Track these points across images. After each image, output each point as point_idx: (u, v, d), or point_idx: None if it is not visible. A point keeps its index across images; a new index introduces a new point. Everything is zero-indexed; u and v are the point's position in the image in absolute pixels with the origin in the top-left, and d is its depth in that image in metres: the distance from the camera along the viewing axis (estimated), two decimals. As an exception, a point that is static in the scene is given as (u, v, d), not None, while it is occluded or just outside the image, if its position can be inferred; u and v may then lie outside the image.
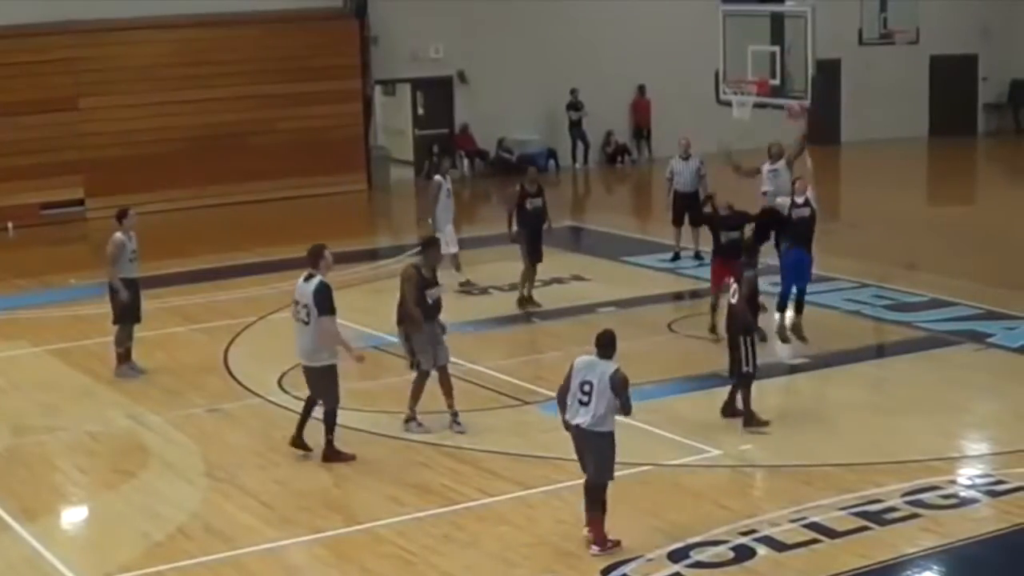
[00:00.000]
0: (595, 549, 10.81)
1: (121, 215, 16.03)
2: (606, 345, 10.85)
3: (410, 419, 13.84)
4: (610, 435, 10.75)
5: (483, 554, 10.91)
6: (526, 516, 11.45)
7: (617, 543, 10.87)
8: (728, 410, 13.98)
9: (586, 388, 10.69)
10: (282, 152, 28.54)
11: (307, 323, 12.76)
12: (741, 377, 13.81)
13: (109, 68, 27.14)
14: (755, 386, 14.53)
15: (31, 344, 17.68)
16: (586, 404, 10.69)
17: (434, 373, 13.76)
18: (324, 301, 12.66)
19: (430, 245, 14.11)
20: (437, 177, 20.23)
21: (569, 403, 10.83)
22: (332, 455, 13.00)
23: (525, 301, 18.73)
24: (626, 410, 10.74)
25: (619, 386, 10.65)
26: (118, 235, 15.90)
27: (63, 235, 25.92)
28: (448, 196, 19.85)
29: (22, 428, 14.42)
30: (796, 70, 18.90)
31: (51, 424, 14.48)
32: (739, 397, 13.85)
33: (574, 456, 12.49)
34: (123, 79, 27.30)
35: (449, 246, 19.81)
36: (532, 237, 18.57)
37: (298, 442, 13.14)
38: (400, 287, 13.70)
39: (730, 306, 13.96)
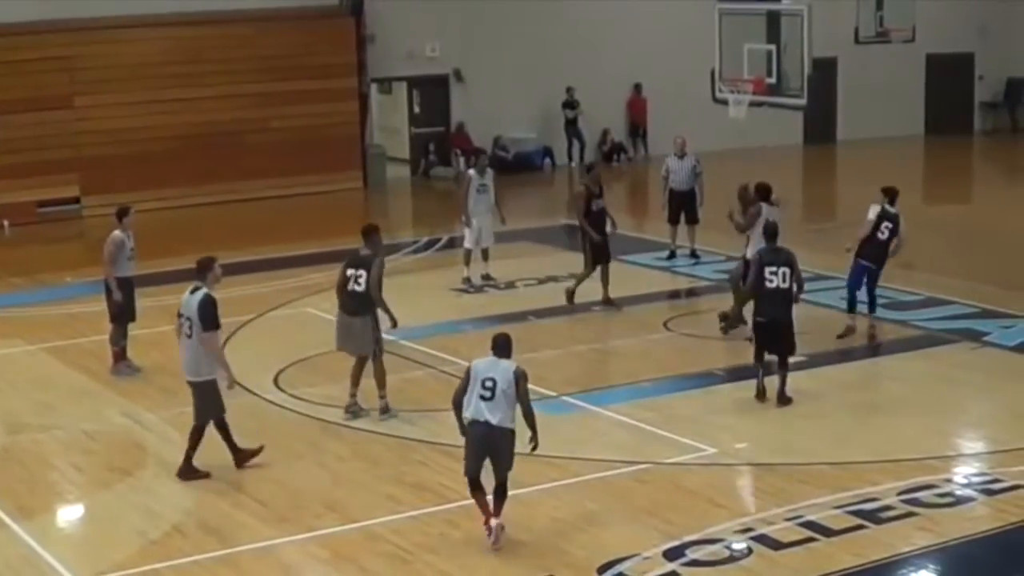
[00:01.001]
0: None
1: (122, 213, 15.97)
2: (503, 346, 10.91)
3: (387, 407, 14.02)
4: (514, 431, 10.79)
5: (479, 552, 10.89)
6: (522, 514, 11.42)
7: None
8: (781, 398, 14.40)
9: (488, 384, 10.69)
10: (278, 150, 28.49)
11: (190, 336, 12.55)
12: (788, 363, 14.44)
13: (105, 66, 27.06)
14: (752, 385, 14.60)
15: (27, 342, 17.65)
16: (489, 400, 10.66)
17: (358, 357, 14.07)
18: (208, 316, 12.45)
19: (372, 232, 14.16)
20: (470, 171, 20.26)
21: (469, 402, 10.79)
22: (188, 470, 12.62)
23: (607, 297, 18.58)
24: (525, 400, 10.72)
25: (521, 377, 10.72)
26: (117, 233, 15.86)
27: (59, 233, 25.88)
28: (480, 191, 19.77)
29: (18, 426, 14.40)
30: (792, 69, 18.96)
31: (47, 422, 14.47)
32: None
33: (570, 454, 12.57)
34: (119, 77, 27.22)
35: (480, 241, 19.84)
36: (601, 238, 18.35)
37: (243, 454, 12.82)
38: (372, 275, 13.76)
39: (782, 290, 14.28)
